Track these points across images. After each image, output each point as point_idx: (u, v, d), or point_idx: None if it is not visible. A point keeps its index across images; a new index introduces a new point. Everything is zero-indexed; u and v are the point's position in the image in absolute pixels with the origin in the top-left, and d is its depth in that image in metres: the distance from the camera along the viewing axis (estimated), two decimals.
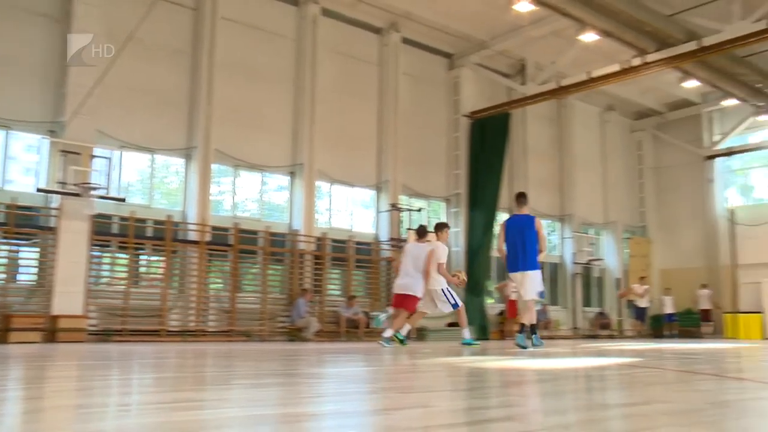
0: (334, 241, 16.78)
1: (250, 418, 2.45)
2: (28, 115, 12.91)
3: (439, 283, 10.01)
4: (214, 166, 15.06)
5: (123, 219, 13.81)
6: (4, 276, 12.54)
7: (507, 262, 9.37)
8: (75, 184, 12.38)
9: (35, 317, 12.09)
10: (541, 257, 9.39)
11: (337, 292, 16.88)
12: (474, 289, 17.87)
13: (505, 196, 20.19)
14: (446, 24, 18.39)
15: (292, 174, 16.46)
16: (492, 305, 19.77)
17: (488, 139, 19.40)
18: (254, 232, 15.53)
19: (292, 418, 2.45)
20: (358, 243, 17.19)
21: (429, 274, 9.92)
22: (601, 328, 22.21)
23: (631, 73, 16.90)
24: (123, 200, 13.35)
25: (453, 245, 17.91)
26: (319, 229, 16.60)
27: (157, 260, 14.48)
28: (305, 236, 16.06)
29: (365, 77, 17.97)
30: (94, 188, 12.58)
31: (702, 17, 15.65)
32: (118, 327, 13.12)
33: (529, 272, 9.12)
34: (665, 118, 25.01)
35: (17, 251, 13.03)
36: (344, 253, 16.81)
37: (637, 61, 16.38)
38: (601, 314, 22.85)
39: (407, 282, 10.01)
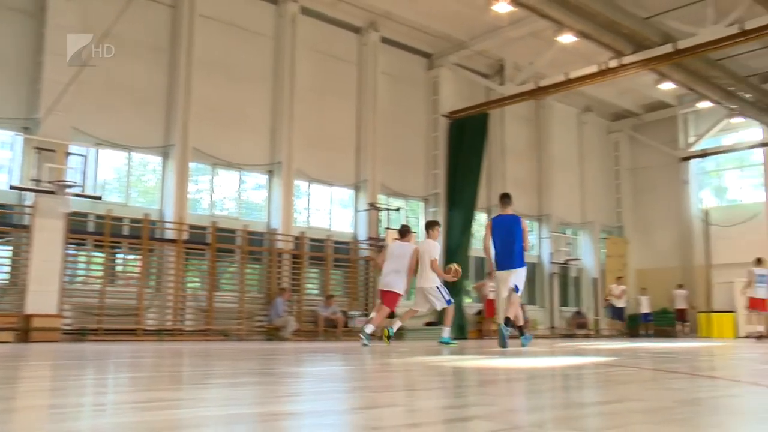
0: (313, 240, 16.74)
1: (227, 417, 2.44)
2: (1, 111, 12.72)
3: (433, 280, 10.15)
4: (191, 165, 14.96)
5: (99, 217, 13.66)
6: None
7: (496, 261, 9.54)
8: (50, 182, 12.22)
9: (8, 316, 11.92)
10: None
11: (316, 292, 16.85)
12: (452, 288, 17.91)
13: (483, 196, 20.32)
14: (425, 24, 18.43)
15: (270, 173, 16.40)
16: (470, 305, 19.85)
17: (467, 139, 19.47)
18: (232, 231, 15.45)
19: (268, 417, 2.44)
20: (337, 242, 17.17)
21: (412, 272, 10.19)
22: (578, 328, 22.40)
23: (609, 75, 17.05)
24: (99, 198, 13.20)
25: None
26: (297, 228, 16.56)
27: (134, 259, 14.35)
28: (283, 235, 16.01)
29: (344, 76, 17.96)
30: (70, 186, 12.43)
31: (677, 20, 15.85)
32: (93, 326, 12.98)
33: (517, 270, 9.38)
34: (642, 119, 25.29)
35: None
36: (322, 252, 16.78)
37: (614, 63, 16.53)
38: (578, 314, 23.05)
39: (389, 279, 10.20)
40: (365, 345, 9.38)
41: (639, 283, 23.84)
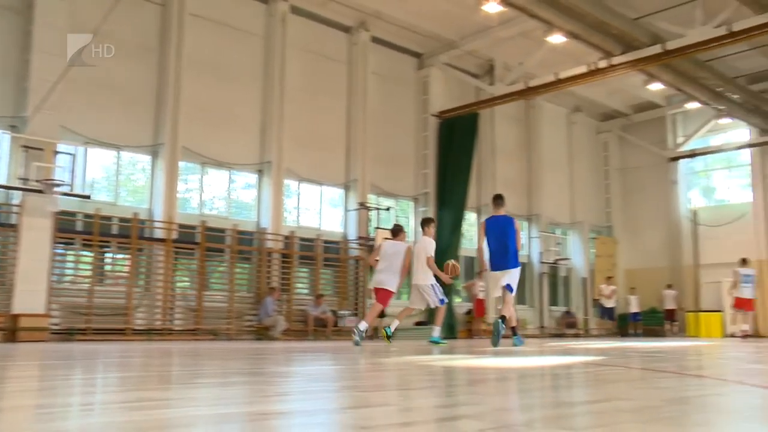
0: (302, 239, 16.73)
1: (216, 416, 2.44)
2: None
3: (428, 278, 10.21)
4: (181, 164, 14.91)
5: (88, 216, 13.60)
6: None
7: (490, 261, 9.60)
8: (37, 181, 12.15)
9: None
10: None
11: (305, 291, 16.84)
12: (442, 287, 17.93)
13: (473, 195, 20.36)
14: (415, 24, 18.45)
15: (260, 172, 16.37)
16: (459, 304, 19.89)
17: (456, 138, 19.50)
18: (221, 230, 15.41)
19: (258, 416, 2.44)
20: (326, 242, 17.17)
21: (406, 271, 10.28)
22: (568, 327, 22.49)
23: (598, 75, 17.12)
24: (88, 197, 13.14)
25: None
26: (287, 227, 16.54)
27: (123, 258, 14.29)
28: (273, 234, 15.99)
29: (334, 76, 17.95)
30: (58, 185, 12.37)
31: (666, 21, 15.93)
32: (82, 326, 12.92)
33: (512, 270, 9.44)
34: (631, 119, 25.42)
35: None
36: (312, 251, 16.76)
37: (603, 64, 16.60)
38: (568, 313, 23.14)
39: (382, 277, 10.28)
40: (357, 344, 9.36)
41: (628, 283, 23.96)
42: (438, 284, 10.31)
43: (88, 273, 13.70)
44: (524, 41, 18.22)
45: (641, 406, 2.76)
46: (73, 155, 12.85)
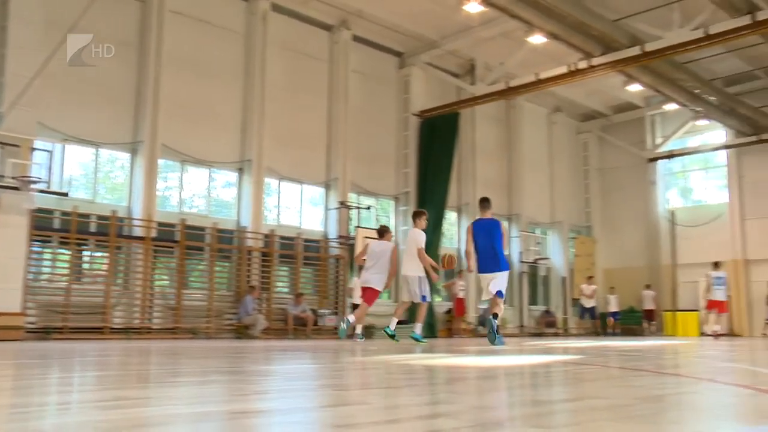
0: (283, 238, 16.68)
1: (195, 415, 2.44)
2: None
3: (417, 270, 10.24)
4: (160, 161, 14.81)
5: (65, 214, 13.46)
6: None
7: (478, 264, 9.64)
8: (13, 178, 11.99)
9: None
10: None
11: (285, 290, 16.80)
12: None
13: (454, 195, 20.43)
14: (397, 23, 18.47)
15: (240, 170, 16.30)
16: (440, 303, 19.94)
17: (437, 138, 19.55)
18: (201, 229, 15.33)
19: (236, 414, 2.45)
20: (307, 240, 17.14)
21: (394, 270, 10.47)
22: (547, 326, 22.64)
23: (578, 76, 17.24)
24: (65, 195, 13.00)
25: (401, 244, 17.94)
26: (267, 226, 16.49)
27: (101, 256, 14.17)
28: (253, 233, 15.93)
29: (315, 74, 17.91)
30: (34, 182, 12.21)
31: (645, 23, 16.08)
32: (58, 324, 12.78)
33: (499, 273, 9.53)
34: (610, 120, 25.63)
35: None
36: (292, 250, 16.73)
37: (583, 64, 16.72)
38: (547, 312, 23.30)
39: (368, 276, 10.42)
40: (360, 339, 9.66)
41: (607, 283, 24.17)
42: (426, 279, 10.34)
43: (66, 271, 13.56)
44: (505, 41, 18.30)
45: (616, 404, 2.80)
46: (51, 152, 12.71)
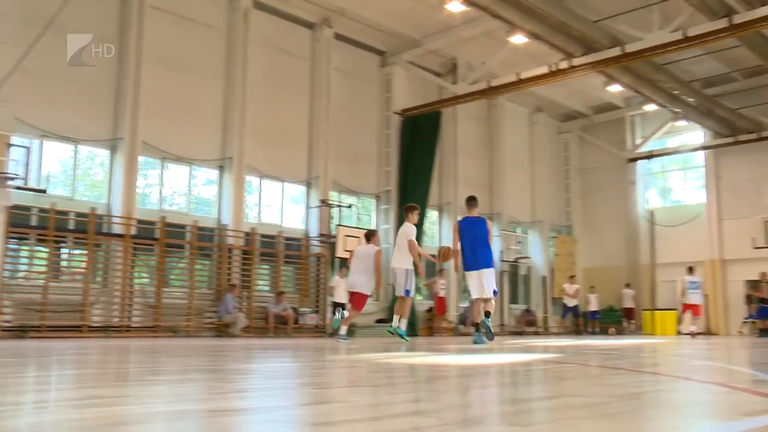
0: (264, 236, 16.62)
1: (173, 413, 2.43)
2: None
3: (405, 263, 10.29)
4: (140, 159, 14.69)
5: (43, 211, 13.31)
6: None
7: (464, 262, 9.68)
8: None
9: None
10: None
11: (266, 288, 16.73)
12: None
13: (435, 193, 20.47)
14: (379, 21, 18.47)
15: (221, 168, 16.21)
16: (421, 302, 19.98)
17: (419, 137, 19.58)
18: (182, 226, 15.23)
19: (216, 413, 2.44)
20: (288, 239, 17.09)
21: (379, 273, 10.58)
22: (527, 325, 22.76)
23: (559, 76, 17.35)
24: (43, 191, 12.86)
25: (383, 242, 17.95)
26: (248, 224, 16.43)
27: (80, 254, 14.02)
28: (234, 231, 15.86)
29: (297, 72, 17.85)
30: (11, 178, 12.07)
31: (625, 24, 16.22)
32: (36, 323, 12.64)
33: (486, 270, 9.59)
34: (591, 120, 25.81)
35: None
36: (273, 248, 16.67)
37: (564, 65, 16.83)
38: (528, 311, 23.42)
39: (353, 280, 10.59)
40: (343, 341, 9.94)
41: (587, 282, 24.34)
42: (414, 273, 10.38)
43: (43, 269, 13.41)
44: (487, 41, 18.37)
45: (594, 402, 2.82)
46: (28, 148, 12.57)
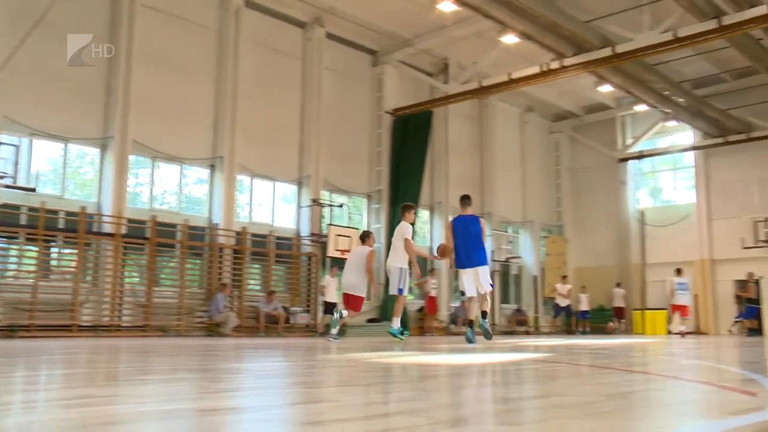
0: (254, 235, 16.59)
1: (164, 412, 2.42)
2: None
3: (400, 261, 10.34)
4: (131, 157, 14.63)
5: (32, 210, 13.23)
6: None
7: (458, 259, 9.72)
8: None
9: None
10: None
11: (257, 287, 16.70)
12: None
13: (426, 193, 20.49)
14: (370, 21, 18.47)
15: (212, 167, 16.17)
16: (412, 301, 19.99)
17: (410, 136, 19.60)
18: (172, 226, 15.18)
19: (206, 412, 2.43)
20: (279, 238, 17.06)
21: (371, 273, 10.73)
22: (518, 325, 22.82)
23: (550, 76, 17.40)
24: (33, 190, 12.79)
25: (375, 242, 17.90)
26: (239, 223, 16.39)
27: (70, 253, 13.95)
28: (225, 230, 15.83)
29: (288, 71, 17.83)
30: (0, 177, 12.00)
31: (616, 25, 16.29)
32: (25, 322, 12.57)
33: (480, 267, 9.66)
34: (582, 120, 25.90)
35: None
36: (264, 247, 16.65)
37: (555, 65, 16.88)
38: (519, 311, 23.48)
39: (349, 281, 10.69)
40: (333, 341, 10.00)
41: (578, 281, 24.41)
42: (409, 272, 10.41)
43: (33, 268, 13.33)
44: (478, 41, 18.40)
45: (584, 401, 2.83)
46: (17, 147, 12.50)
